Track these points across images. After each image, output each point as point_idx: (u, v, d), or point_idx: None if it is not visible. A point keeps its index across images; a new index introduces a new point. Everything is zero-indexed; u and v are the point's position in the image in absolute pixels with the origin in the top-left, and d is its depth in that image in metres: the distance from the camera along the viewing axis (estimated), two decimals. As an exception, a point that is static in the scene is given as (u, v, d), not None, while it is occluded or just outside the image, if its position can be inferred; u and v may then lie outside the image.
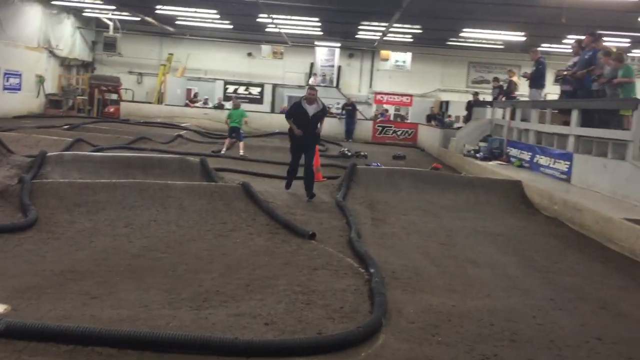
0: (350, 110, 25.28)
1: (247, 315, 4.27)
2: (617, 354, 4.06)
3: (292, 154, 10.00)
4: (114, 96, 28.33)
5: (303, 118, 9.57)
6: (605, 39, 12.31)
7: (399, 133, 25.62)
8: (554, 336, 4.29)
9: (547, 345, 4.12)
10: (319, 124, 9.82)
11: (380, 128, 25.77)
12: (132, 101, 29.06)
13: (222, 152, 15.42)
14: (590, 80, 11.59)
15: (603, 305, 5.17)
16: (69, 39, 28.17)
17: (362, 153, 18.02)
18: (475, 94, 23.53)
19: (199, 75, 31.16)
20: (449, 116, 26.77)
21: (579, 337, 4.32)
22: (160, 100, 28.98)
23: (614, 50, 11.69)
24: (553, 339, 4.23)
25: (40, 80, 25.62)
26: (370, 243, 6.84)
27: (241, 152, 15.43)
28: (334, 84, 29.93)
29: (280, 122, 24.36)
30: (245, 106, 18.79)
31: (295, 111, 9.73)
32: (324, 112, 9.93)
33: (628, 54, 24.71)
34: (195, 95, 29.67)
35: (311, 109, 9.55)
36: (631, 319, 4.86)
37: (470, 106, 22.05)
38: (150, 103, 29.03)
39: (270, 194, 9.00)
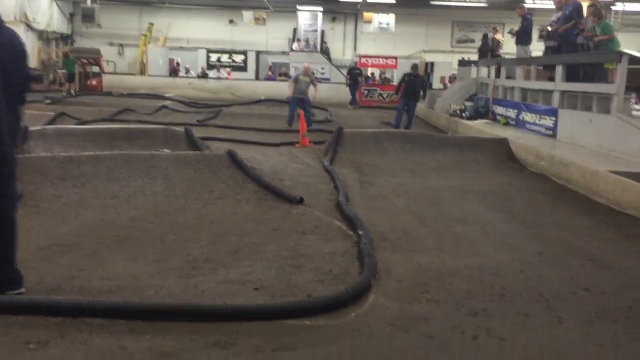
0: (356, 74, 24.76)
1: (237, 282, 4.26)
2: (605, 303, 4.11)
3: None
4: (96, 69, 27.89)
5: None
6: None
7: (384, 96, 25.48)
8: (542, 289, 4.33)
9: (535, 298, 4.15)
10: None
11: (365, 92, 25.59)
12: (114, 73, 28.65)
13: None
14: (574, 34, 11.53)
15: (590, 257, 5.21)
16: (46, 11, 27.52)
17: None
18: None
19: (181, 45, 30.69)
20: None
21: (566, 289, 4.37)
22: (142, 71, 28.57)
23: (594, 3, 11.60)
24: (541, 292, 4.27)
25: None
26: (359, 206, 6.83)
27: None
28: (318, 49, 29.60)
29: (265, 89, 24.34)
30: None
31: None
32: None
33: (611, 7, 24.53)
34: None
35: None
36: (618, 269, 4.91)
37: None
38: (132, 75, 28.63)
39: (257, 160, 8.93)
